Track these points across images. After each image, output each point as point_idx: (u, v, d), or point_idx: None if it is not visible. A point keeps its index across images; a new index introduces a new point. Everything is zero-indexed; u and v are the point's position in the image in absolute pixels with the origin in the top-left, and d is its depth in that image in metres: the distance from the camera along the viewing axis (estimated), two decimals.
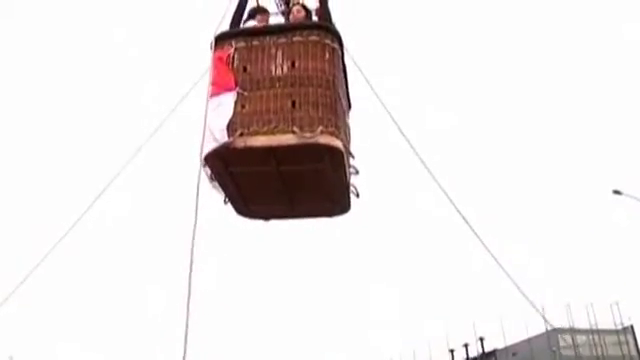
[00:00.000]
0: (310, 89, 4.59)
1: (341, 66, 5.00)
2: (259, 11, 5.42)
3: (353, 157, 4.91)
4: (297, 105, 4.53)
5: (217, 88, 4.74)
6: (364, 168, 5.07)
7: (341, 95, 4.86)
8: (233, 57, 4.81)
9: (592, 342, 24.83)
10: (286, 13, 5.67)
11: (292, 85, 4.62)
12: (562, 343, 25.07)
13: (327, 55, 4.75)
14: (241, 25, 5.20)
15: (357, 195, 5.12)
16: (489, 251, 4.80)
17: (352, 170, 4.98)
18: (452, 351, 29.20)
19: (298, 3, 5.38)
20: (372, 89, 5.21)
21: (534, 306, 4.88)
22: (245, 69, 4.78)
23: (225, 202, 5.25)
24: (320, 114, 4.50)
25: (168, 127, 5.19)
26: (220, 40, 4.95)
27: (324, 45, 4.79)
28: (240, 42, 4.87)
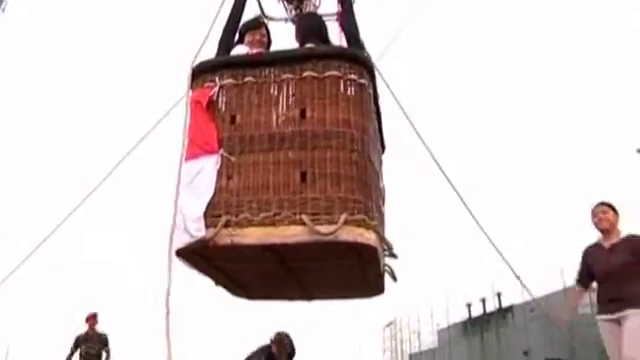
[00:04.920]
0: (328, 153, 3.04)
1: (372, 107, 3.47)
2: (250, 27, 3.79)
3: (390, 247, 3.47)
4: (308, 178, 3.01)
5: (194, 148, 3.25)
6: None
7: (372, 151, 3.35)
8: (217, 100, 3.30)
9: None
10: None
11: (301, 146, 3.07)
12: None
13: (353, 97, 3.18)
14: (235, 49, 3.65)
15: (394, 279, 3.71)
16: (476, 221, 4.18)
17: (386, 253, 3.57)
18: (469, 305, 28.71)
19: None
20: (417, 134, 3.74)
21: (515, 273, 4.50)
22: (233, 119, 3.22)
23: (216, 285, 3.91)
24: (343, 192, 2.98)
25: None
26: (200, 74, 3.40)
27: (348, 82, 3.20)
28: (227, 78, 3.30)
